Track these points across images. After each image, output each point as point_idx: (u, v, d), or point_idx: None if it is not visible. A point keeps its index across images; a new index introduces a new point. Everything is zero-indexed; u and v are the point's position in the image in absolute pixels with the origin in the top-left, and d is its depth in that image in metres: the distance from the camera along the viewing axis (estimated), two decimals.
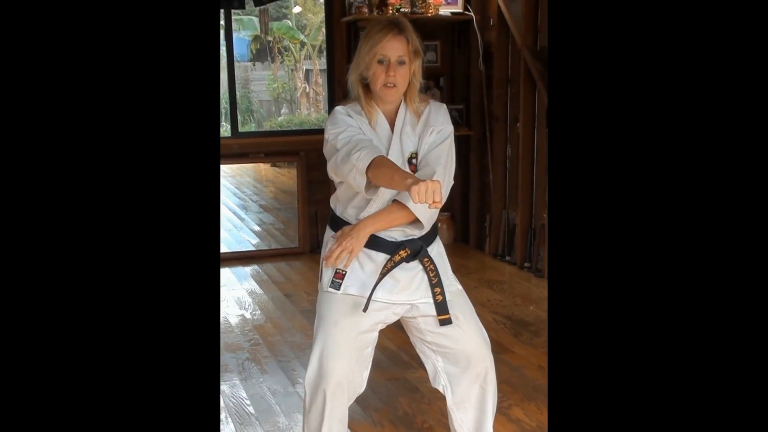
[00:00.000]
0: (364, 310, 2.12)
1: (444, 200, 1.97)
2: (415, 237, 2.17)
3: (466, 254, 5.54)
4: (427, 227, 2.17)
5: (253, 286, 4.86)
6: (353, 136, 2.08)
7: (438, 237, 2.31)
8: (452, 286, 2.26)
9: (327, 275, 2.21)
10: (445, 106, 2.25)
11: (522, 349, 3.66)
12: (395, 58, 2.09)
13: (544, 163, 4.80)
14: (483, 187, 5.55)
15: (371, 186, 2.01)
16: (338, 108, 2.20)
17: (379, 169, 1.94)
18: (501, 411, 2.96)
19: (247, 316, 4.27)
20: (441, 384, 2.33)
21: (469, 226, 5.73)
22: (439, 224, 5.66)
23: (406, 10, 5.09)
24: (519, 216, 5.09)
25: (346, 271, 2.18)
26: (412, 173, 1.95)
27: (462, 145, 5.63)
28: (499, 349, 3.63)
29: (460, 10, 5.34)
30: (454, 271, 2.37)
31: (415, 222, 2.13)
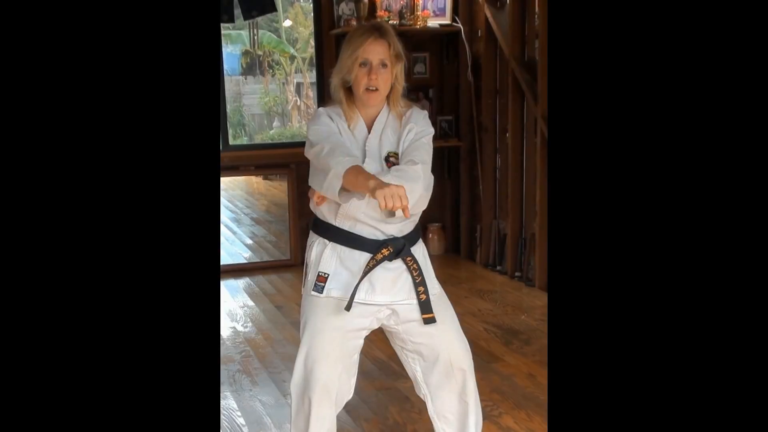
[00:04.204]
0: (347, 309, 2.13)
1: (428, 196, 2.12)
2: (396, 236, 2.18)
3: (457, 264, 5.55)
4: (398, 221, 2.15)
5: (245, 298, 4.87)
6: (330, 135, 2.11)
7: (421, 239, 2.32)
8: (434, 288, 2.27)
9: (310, 278, 2.22)
10: (426, 112, 2.27)
11: (512, 357, 3.67)
12: (377, 61, 2.12)
13: (533, 172, 4.83)
14: (473, 198, 5.57)
15: (344, 192, 2.02)
16: (321, 109, 2.23)
17: (347, 173, 1.97)
18: (491, 419, 2.97)
19: (239, 328, 4.27)
20: (422, 392, 2.36)
21: (460, 236, 5.75)
22: (435, 230, 5.69)
23: (395, 22, 5.13)
24: (509, 225, 5.11)
25: (328, 274, 2.18)
26: (375, 176, 1.96)
27: (452, 156, 5.68)
28: (489, 358, 3.65)
29: (448, 22, 5.38)
30: (446, 281, 2.39)
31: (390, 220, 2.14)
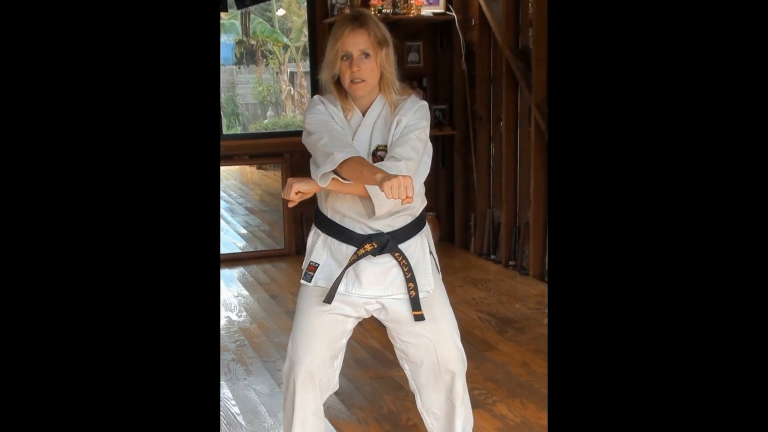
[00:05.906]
0: (327, 302, 2.15)
1: (417, 190, 2.05)
2: (382, 231, 2.17)
3: (451, 253, 5.55)
4: (378, 214, 2.09)
5: (240, 288, 4.87)
6: (328, 124, 2.10)
7: (424, 232, 2.29)
8: (428, 286, 2.24)
9: (303, 267, 2.26)
10: (425, 103, 2.20)
11: (507, 346, 3.68)
12: (357, 53, 2.09)
13: (527, 161, 4.83)
14: (467, 187, 5.57)
15: (327, 177, 1.98)
16: (316, 97, 2.21)
17: (349, 165, 1.95)
18: (485, 407, 2.98)
19: (233, 317, 4.27)
20: (412, 388, 2.38)
21: (454, 225, 5.75)
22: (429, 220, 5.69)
23: (388, 11, 5.11)
24: (503, 214, 5.11)
25: (318, 264, 2.21)
26: (380, 169, 1.94)
27: (446, 145, 5.67)
28: (483, 347, 3.66)
29: (442, 11, 5.36)
30: (440, 270, 2.36)
31: (372, 211, 2.09)
